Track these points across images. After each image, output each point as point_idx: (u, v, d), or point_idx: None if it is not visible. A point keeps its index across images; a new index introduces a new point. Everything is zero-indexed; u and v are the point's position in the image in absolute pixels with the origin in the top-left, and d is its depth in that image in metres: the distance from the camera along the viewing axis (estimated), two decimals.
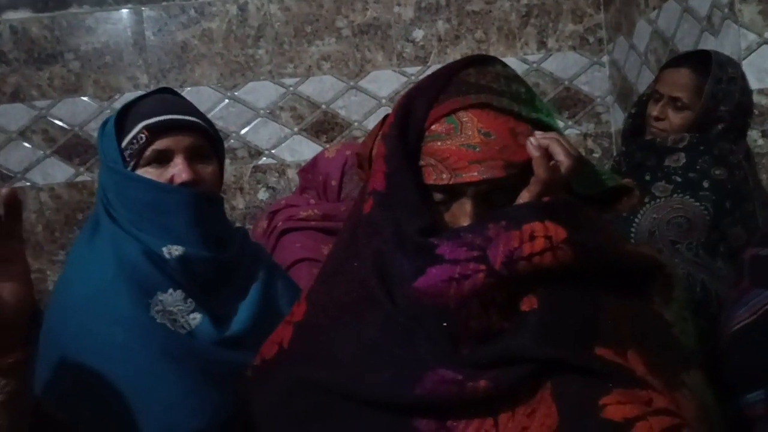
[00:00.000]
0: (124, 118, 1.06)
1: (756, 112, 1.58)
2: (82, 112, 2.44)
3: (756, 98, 1.58)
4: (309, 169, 1.88)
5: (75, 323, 0.95)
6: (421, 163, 0.79)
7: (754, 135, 1.59)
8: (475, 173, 0.75)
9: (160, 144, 1.03)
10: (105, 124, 1.07)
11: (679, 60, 1.60)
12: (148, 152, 1.03)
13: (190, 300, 0.99)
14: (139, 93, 1.12)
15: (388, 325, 0.75)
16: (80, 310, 0.96)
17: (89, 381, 0.90)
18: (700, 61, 1.53)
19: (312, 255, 1.64)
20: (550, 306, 0.71)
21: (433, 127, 0.78)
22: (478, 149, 0.76)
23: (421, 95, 0.81)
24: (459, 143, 0.76)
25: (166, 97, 1.11)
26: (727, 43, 1.65)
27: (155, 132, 1.03)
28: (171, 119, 1.04)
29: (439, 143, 0.77)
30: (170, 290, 0.99)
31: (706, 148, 1.47)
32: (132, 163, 1.03)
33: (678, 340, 0.75)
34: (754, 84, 1.58)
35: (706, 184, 1.40)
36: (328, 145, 2.43)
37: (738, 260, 0.95)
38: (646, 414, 0.63)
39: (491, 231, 0.72)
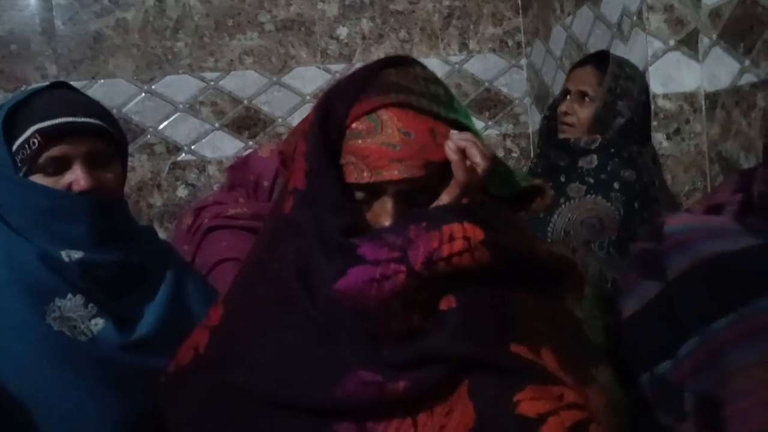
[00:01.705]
0: (13, 118, 0.96)
1: (661, 116, 1.67)
2: None
3: (661, 102, 1.67)
4: (239, 167, 1.83)
5: None
6: (342, 161, 0.79)
7: (659, 137, 1.68)
8: (395, 172, 0.76)
9: (55, 151, 0.94)
10: None
11: (584, 60, 1.71)
12: (42, 159, 0.94)
13: (91, 305, 0.94)
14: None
15: (309, 327, 0.75)
16: None
17: None
18: (603, 60, 1.64)
19: (238, 255, 1.59)
20: (467, 305, 0.72)
21: (353, 125, 0.79)
22: (398, 148, 0.77)
23: (342, 93, 0.81)
24: (379, 142, 0.77)
25: (62, 95, 1.01)
26: (635, 49, 1.73)
27: (49, 138, 0.94)
28: (67, 122, 0.95)
29: (359, 141, 0.78)
30: (69, 295, 0.93)
31: (616, 150, 1.54)
32: (24, 169, 0.95)
33: (588, 336, 0.79)
34: (659, 89, 1.67)
35: (616, 186, 1.47)
36: (251, 142, 2.40)
37: (628, 255, 1.01)
38: (558, 409, 0.66)
39: (412, 232, 0.74)
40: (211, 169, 2.41)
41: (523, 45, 2.55)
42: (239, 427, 0.75)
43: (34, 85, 1.04)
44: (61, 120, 0.95)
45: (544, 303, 0.78)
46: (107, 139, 1.01)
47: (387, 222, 0.78)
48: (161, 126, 2.40)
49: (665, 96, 1.68)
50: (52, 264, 0.94)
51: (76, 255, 0.95)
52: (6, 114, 0.96)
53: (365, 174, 0.77)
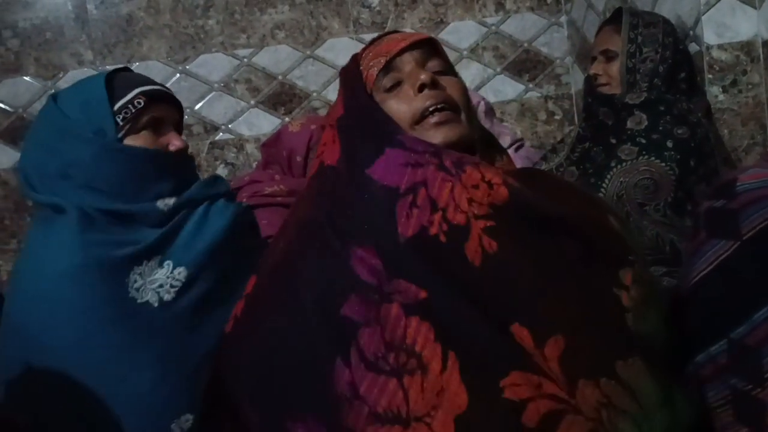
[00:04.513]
0: (111, 84, 1.03)
1: (716, 68, 1.59)
2: (24, 92, 2.32)
3: (716, 54, 1.59)
4: (272, 144, 1.82)
5: (42, 315, 0.90)
6: (364, 76, 0.85)
7: (714, 91, 1.60)
8: (406, 42, 0.85)
9: (157, 111, 1.03)
10: (90, 89, 1.02)
11: (602, 24, 1.69)
12: (146, 118, 1.02)
13: (167, 262, 0.98)
14: (85, 70, 1.06)
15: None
16: (47, 300, 0.91)
17: (59, 376, 0.87)
18: (620, 16, 1.60)
19: None
20: (502, 260, 0.73)
21: (364, 63, 0.87)
22: (404, 34, 0.89)
23: (354, 58, 0.91)
24: (388, 39, 0.88)
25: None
26: None
27: (152, 99, 1.02)
28: (164, 90, 1.06)
29: (371, 54, 0.87)
30: (144, 261, 0.97)
31: (666, 108, 1.48)
32: (126, 128, 1.01)
33: (626, 327, 0.74)
34: (713, 39, 1.58)
35: (669, 144, 1.41)
36: (287, 118, 2.38)
37: (694, 214, 0.97)
38: (536, 396, 0.67)
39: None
40: (249, 147, 2.40)
41: (563, 1, 2.45)
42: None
43: (84, 70, 1.07)
44: (159, 87, 1.06)
45: (585, 283, 0.74)
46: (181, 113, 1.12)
47: (422, 74, 0.83)
48: (197, 106, 2.40)
49: (720, 46, 1.59)
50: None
51: (170, 201, 1.02)
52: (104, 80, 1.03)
53: (382, 60, 0.85)
